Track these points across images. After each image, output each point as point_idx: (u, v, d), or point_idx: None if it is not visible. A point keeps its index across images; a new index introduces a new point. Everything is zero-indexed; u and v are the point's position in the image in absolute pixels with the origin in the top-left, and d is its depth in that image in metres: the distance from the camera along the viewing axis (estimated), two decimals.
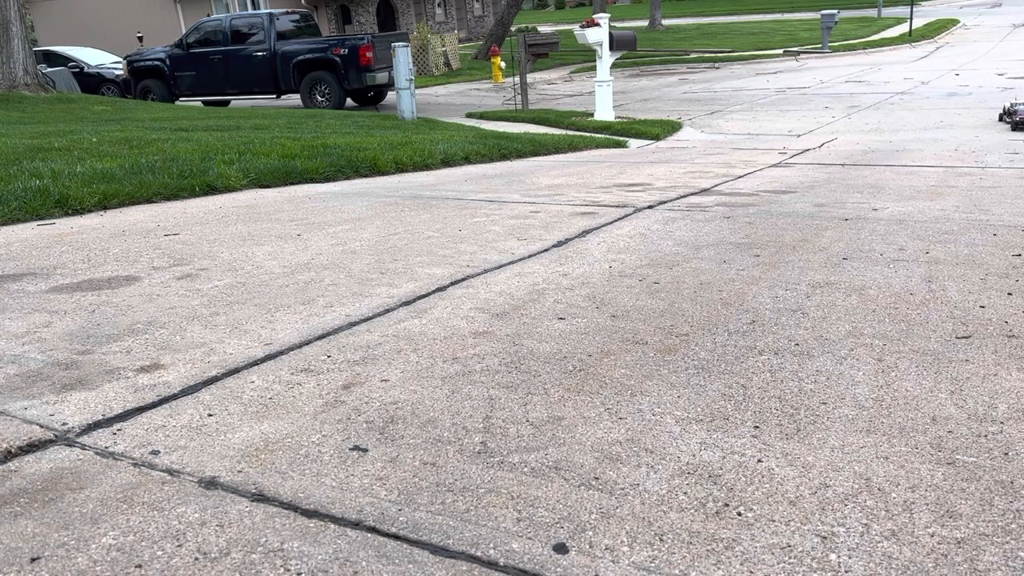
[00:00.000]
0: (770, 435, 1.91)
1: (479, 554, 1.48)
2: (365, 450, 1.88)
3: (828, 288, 3.08)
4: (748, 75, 21.79)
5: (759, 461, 1.79)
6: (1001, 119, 10.73)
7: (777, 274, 3.31)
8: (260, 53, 17.21)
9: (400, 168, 7.39)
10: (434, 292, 3.15)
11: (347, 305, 2.99)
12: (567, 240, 4.05)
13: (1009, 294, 2.95)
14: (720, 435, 1.92)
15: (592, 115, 13.46)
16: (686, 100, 16.85)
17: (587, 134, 11.79)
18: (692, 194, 5.52)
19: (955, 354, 2.38)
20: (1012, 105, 10.49)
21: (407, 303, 3.02)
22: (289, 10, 20.19)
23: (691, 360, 2.39)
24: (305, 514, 1.62)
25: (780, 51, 27.37)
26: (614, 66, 14.32)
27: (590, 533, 1.54)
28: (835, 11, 27.38)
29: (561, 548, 1.49)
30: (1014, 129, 10.03)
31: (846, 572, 1.41)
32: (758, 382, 2.22)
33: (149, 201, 5.45)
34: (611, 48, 12.72)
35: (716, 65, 25.11)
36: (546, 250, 3.83)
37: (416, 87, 13.67)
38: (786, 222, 4.40)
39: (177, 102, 18.13)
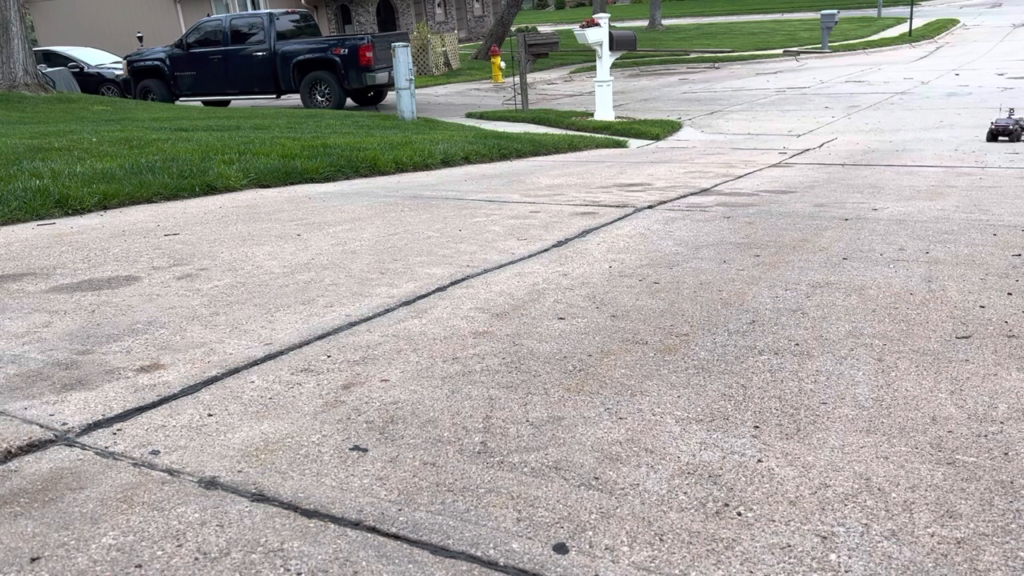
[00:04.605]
0: (770, 435, 1.91)
1: (479, 554, 1.48)
2: (365, 450, 1.88)
3: (828, 288, 3.08)
4: (748, 75, 21.79)
5: (759, 461, 1.79)
6: (995, 138, 9.45)
7: (777, 274, 3.31)
8: (260, 53, 17.21)
9: (400, 168, 7.39)
10: (434, 292, 3.15)
11: (347, 305, 2.99)
12: (567, 240, 4.05)
13: (1009, 294, 2.95)
14: (720, 435, 1.91)
15: (592, 115, 13.46)
16: (686, 100, 16.85)
17: (587, 134, 11.79)
18: (692, 194, 5.52)
19: (955, 354, 2.38)
20: (1004, 119, 9.50)
21: (407, 303, 3.02)
22: (289, 10, 20.19)
23: (691, 360, 2.39)
24: (305, 514, 1.62)
25: (780, 51, 27.38)
26: (614, 66, 14.32)
27: (590, 533, 1.54)
28: (835, 11, 27.39)
29: (561, 548, 1.49)
30: (991, 139, 9.44)
31: (846, 572, 1.41)
32: (758, 382, 2.22)
33: (149, 201, 5.45)
34: (611, 48, 12.72)
35: (716, 65, 25.11)
36: (546, 250, 3.83)
37: (416, 87, 13.68)
38: (786, 222, 4.40)
39: (177, 102, 18.13)
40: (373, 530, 1.56)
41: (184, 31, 21.29)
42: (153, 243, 4.15)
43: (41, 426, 2.02)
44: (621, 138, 11.57)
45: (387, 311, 2.92)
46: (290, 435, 1.96)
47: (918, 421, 1.96)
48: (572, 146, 9.96)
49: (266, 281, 3.35)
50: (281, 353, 2.51)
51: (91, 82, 20.34)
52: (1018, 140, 9.32)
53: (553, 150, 9.54)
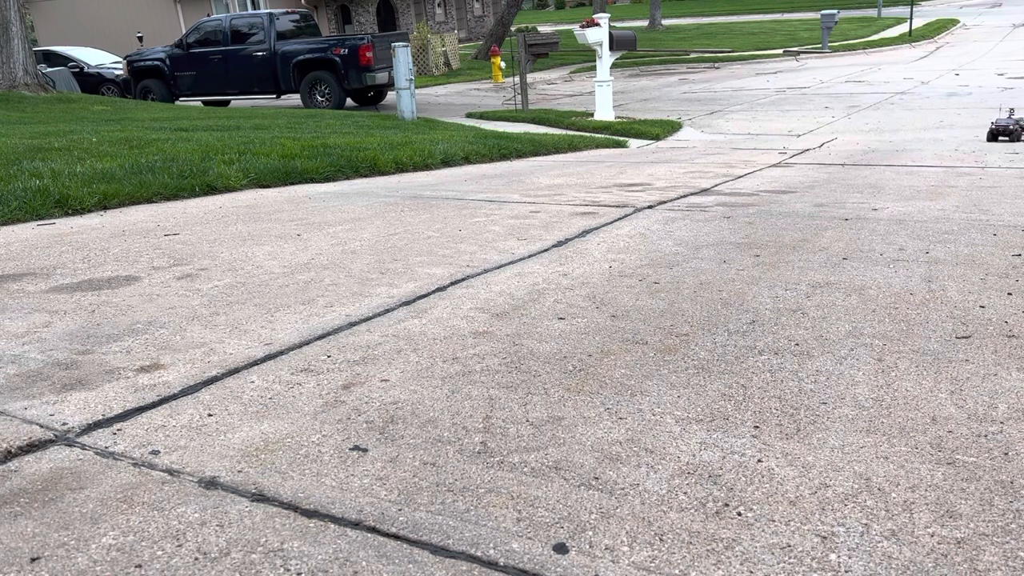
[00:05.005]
0: (770, 435, 1.91)
1: (479, 554, 1.48)
2: (365, 450, 1.88)
3: (828, 288, 3.08)
4: (748, 75, 21.79)
5: (759, 461, 1.79)
6: (995, 138, 9.46)
7: (777, 274, 3.31)
8: (260, 53, 17.21)
9: (400, 168, 7.39)
10: (434, 292, 3.15)
11: (347, 305, 2.99)
12: (567, 240, 4.04)
13: (1009, 294, 2.95)
14: (720, 435, 1.91)
15: (592, 115, 13.47)
16: (686, 100, 16.85)
17: (587, 134, 11.79)
18: (692, 194, 5.52)
19: (955, 354, 2.38)
20: (1004, 118, 9.49)
21: (407, 303, 3.02)
22: (289, 10, 20.20)
23: (691, 360, 2.39)
24: (305, 514, 1.62)
25: (780, 51, 27.38)
26: (614, 66, 14.32)
27: (590, 533, 1.54)
28: (835, 11, 27.41)
29: (561, 548, 1.49)
30: (991, 139, 9.44)
31: (846, 572, 1.41)
32: (758, 382, 2.22)
33: (149, 201, 5.45)
34: (611, 48, 12.73)
35: (716, 65, 25.11)
36: (546, 250, 3.83)
37: (416, 87, 13.68)
38: (786, 222, 4.40)
39: (177, 102, 18.13)
40: (373, 530, 1.56)
41: (184, 31, 21.29)
42: (153, 243, 4.15)
43: (41, 426, 2.02)
44: (621, 138, 11.57)
45: (387, 311, 2.92)
46: (290, 435, 1.96)
47: (918, 421, 1.96)
48: (572, 146, 9.96)
49: (266, 281, 3.35)
50: (281, 353, 2.51)
51: (91, 82, 20.34)
52: (1018, 140, 9.32)
53: (553, 150, 9.54)
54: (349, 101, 17.52)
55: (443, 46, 25.96)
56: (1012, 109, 9.86)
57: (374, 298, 3.08)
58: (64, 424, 2.03)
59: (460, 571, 1.44)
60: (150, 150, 7.34)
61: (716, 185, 5.98)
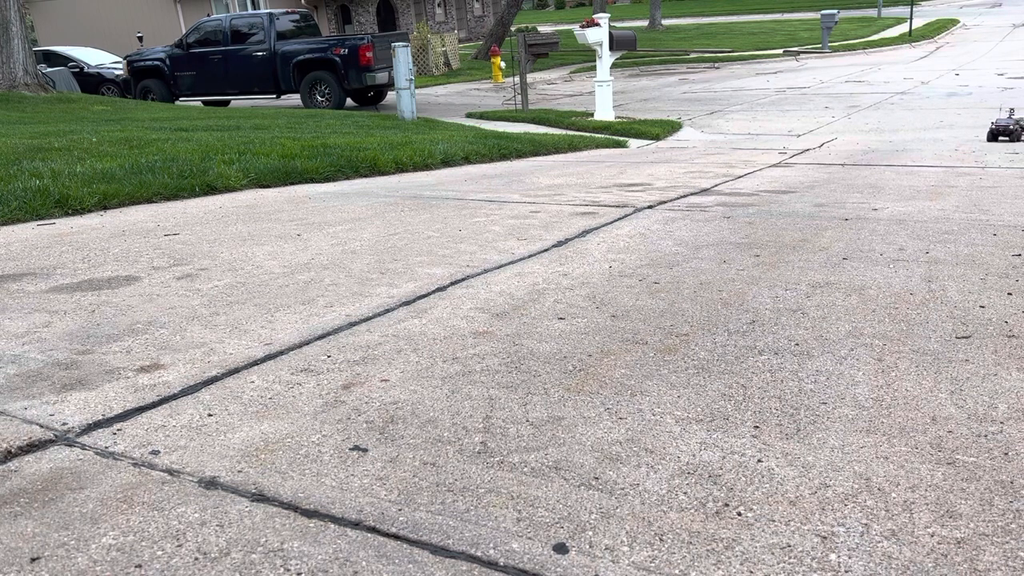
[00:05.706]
0: (770, 435, 1.91)
1: (479, 554, 1.48)
2: (365, 450, 1.88)
3: (828, 288, 3.08)
4: (748, 75, 21.80)
5: (759, 461, 1.79)
6: (995, 138, 9.49)
7: (777, 274, 3.31)
8: (260, 53, 17.21)
9: (400, 168, 7.39)
10: (434, 292, 3.15)
11: (347, 305, 2.99)
12: (567, 240, 4.04)
13: (1009, 294, 2.95)
14: (720, 435, 1.91)
15: (592, 115, 13.47)
16: (686, 100, 16.86)
17: (587, 134, 11.79)
18: (692, 194, 5.52)
19: (955, 354, 2.38)
20: (1004, 118, 9.54)
21: (407, 303, 3.02)
22: (289, 10, 20.20)
23: (691, 360, 2.39)
24: (305, 514, 1.62)
25: (780, 51, 27.39)
26: (614, 66, 14.33)
27: (590, 533, 1.54)
28: (835, 11, 27.42)
29: (561, 548, 1.49)
30: (991, 139, 9.51)
31: (846, 572, 1.41)
32: (758, 382, 2.22)
33: (149, 201, 5.45)
34: (611, 48, 12.73)
35: (716, 65, 25.12)
36: (546, 250, 3.83)
37: (416, 87, 13.68)
38: (786, 222, 4.40)
39: (177, 102, 18.14)
40: (373, 530, 1.56)
41: (184, 31, 21.30)
42: (153, 243, 4.15)
43: (41, 426, 2.02)
44: (621, 138, 11.57)
45: (387, 311, 2.92)
46: (290, 435, 1.96)
47: (918, 421, 1.96)
48: (572, 146, 9.96)
49: (266, 281, 3.35)
50: (281, 353, 2.51)
51: (91, 82, 20.35)
52: (1018, 140, 9.32)
53: (553, 150, 9.54)
54: (349, 101, 17.52)
55: (443, 46, 25.96)
56: (1012, 109, 9.86)
57: (374, 298, 3.08)
58: (64, 424, 2.03)
59: (460, 571, 1.44)
60: (150, 150, 7.34)
61: (716, 185, 5.98)
